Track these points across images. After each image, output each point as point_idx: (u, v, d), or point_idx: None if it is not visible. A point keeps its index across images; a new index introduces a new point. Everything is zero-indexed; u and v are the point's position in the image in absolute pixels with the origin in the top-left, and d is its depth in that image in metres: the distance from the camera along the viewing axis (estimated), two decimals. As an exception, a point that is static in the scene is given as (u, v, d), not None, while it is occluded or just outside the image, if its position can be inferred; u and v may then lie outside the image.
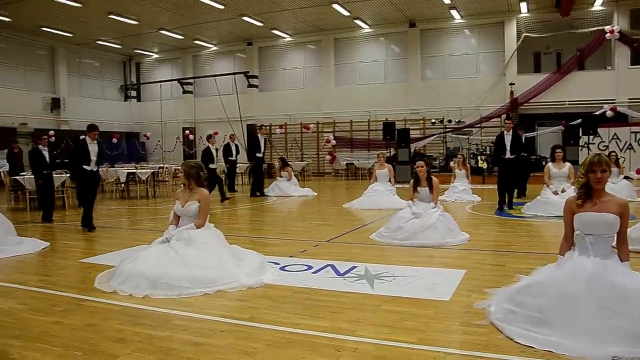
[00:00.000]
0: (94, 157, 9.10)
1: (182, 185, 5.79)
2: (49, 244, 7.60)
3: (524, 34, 21.87)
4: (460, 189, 12.91)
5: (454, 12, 22.19)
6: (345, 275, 5.39)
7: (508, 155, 10.51)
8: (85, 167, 9.03)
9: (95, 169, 9.28)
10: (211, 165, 13.80)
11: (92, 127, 9.21)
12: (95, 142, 9.20)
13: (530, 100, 21.68)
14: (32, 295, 4.93)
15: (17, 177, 12.98)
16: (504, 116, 20.91)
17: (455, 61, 23.69)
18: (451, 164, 19.19)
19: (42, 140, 10.90)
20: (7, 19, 21.62)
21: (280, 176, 15.94)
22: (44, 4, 19.72)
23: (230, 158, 16.45)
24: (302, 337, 3.65)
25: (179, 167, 5.78)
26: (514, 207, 10.59)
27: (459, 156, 14.55)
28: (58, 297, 4.84)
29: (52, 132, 23.09)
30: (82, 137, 9.26)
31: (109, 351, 3.46)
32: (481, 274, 5.39)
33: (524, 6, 21.12)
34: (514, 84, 21.89)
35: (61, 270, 6.04)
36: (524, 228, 8.68)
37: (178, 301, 4.55)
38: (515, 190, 11.73)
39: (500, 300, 4.00)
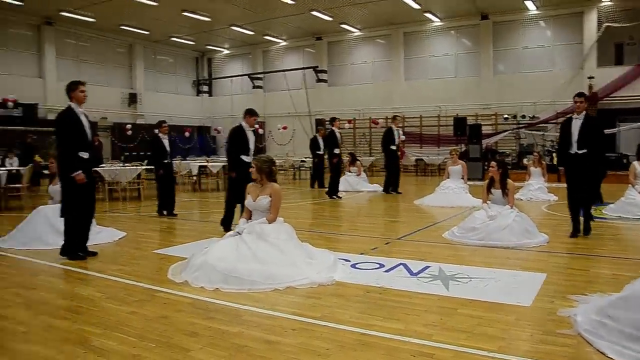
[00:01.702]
0: (251, 146, 8.18)
1: (253, 180, 5.77)
2: (125, 233, 7.86)
3: (605, 24, 20.53)
4: (536, 187, 12.36)
5: (528, 3, 21.20)
6: (419, 275, 5.21)
7: (574, 149, 7.30)
8: (243, 157, 8.03)
9: (249, 160, 7.95)
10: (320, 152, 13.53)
11: (251, 112, 8.28)
12: (251, 130, 8.29)
13: (611, 95, 20.36)
14: (110, 284, 5.08)
15: (97, 169, 13.56)
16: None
17: (530, 54, 22.67)
18: (525, 161, 18.46)
19: (162, 129, 10.29)
20: (91, 20, 22.76)
21: (350, 171, 15.83)
22: (124, 4, 20.54)
23: (317, 152, 16.12)
24: (375, 340, 3.51)
25: (251, 162, 5.76)
26: (590, 231, 7.44)
27: (534, 154, 13.91)
28: (133, 286, 4.96)
29: (129, 126, 24.09)
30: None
31: (181, 344, 3.47)
32: (563, 279, 5.07)
33: (606, -6, 19.87)
34: (593, 77, 20.64)
35: (136, 260, 6.21)
36: (607, 230, 8.12)
37: (248, 296, 4.54)
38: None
39: (589, 310, 3.72)
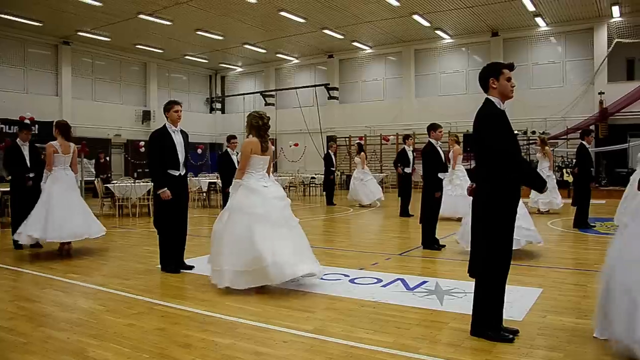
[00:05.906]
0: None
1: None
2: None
3: (616, 40, 20.50)
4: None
5: (538, 20, 21.22)
6: (415, 290, 5.26)
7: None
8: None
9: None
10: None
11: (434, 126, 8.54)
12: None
13: (622, 110, 20.24)
14: (111, 297, 5.19)
15: (108, 185, 13.79)
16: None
17: (540, 70, 22.67)
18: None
19: (232, 144, 10.16)
20: (107, 39, 23.28)
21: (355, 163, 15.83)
22: (139, 23, 20.97)
23: (331, 168, 16.26)
24: (363, 352, 3.57)
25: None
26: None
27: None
28: (134, 300, 5.07)
29: (142, 143, 24.44)
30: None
31: (173, 355, 3.56)
32: (559, 294, 5.08)
33: (616, 10, 19.70)
34: (603, 93, 20.55)
35: (139, 274, 6.31)
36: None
37: (245, 310, 4.62)
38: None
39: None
